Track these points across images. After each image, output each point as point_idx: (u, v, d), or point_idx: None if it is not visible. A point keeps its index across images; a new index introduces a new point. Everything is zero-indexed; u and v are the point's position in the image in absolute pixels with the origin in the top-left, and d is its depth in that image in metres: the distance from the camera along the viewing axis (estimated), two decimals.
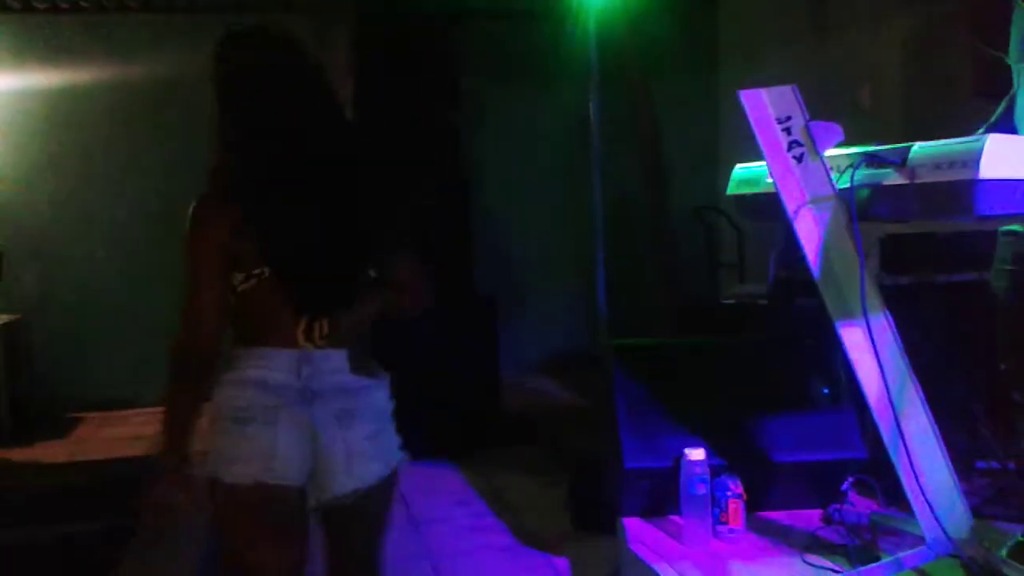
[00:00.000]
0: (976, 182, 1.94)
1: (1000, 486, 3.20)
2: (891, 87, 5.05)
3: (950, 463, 2.50)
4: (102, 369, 5.99)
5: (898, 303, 3.13)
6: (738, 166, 2.78)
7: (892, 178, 2.19)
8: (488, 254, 5.57)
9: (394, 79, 5.09)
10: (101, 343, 6.02)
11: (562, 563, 3.27)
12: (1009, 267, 2.57)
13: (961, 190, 1.97)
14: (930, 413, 2.49)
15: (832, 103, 4.89)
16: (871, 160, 2.25)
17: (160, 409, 1.88)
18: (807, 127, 2.32)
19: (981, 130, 2.69)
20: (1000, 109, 2.71)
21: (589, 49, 4.18)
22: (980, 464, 3.44)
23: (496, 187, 6.02)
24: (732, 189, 2.81)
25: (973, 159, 1.94)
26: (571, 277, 5.47)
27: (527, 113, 6.11)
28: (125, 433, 5.51)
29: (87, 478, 4.76)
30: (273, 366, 1.86)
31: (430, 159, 4.99)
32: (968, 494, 3.08)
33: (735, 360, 3.35)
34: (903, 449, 2.46)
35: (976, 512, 2.87)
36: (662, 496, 3.04)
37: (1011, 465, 3.24)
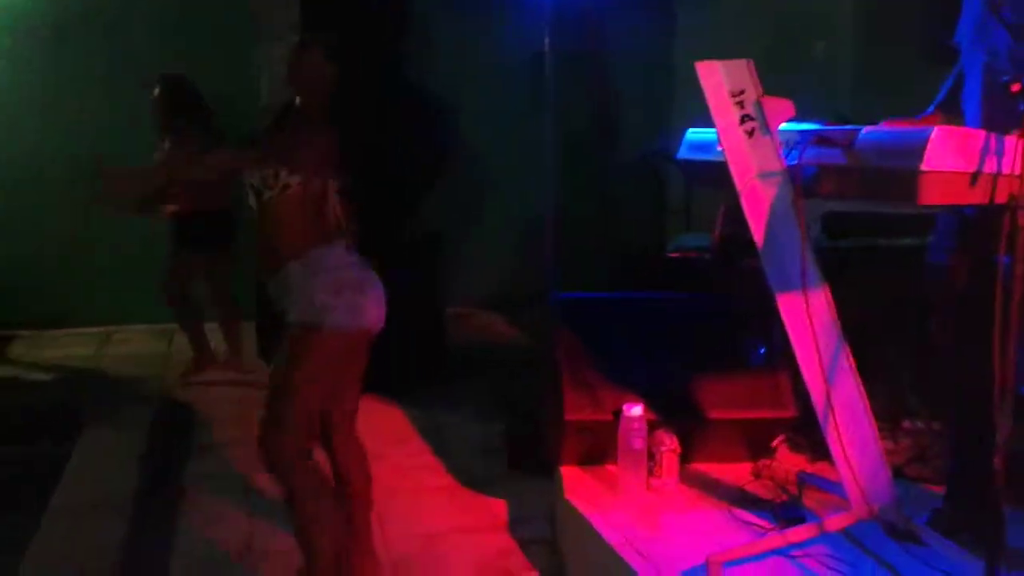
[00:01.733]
0: (920, 172, 1.97)
1: (924, 446, 3.35)
2: (845, 40, 5.07)
3: (876, 431, 2.60)
4: (31, 289, 5.85)
5: (838, 266, 3.22)
6: (690, 130, 2.78)
7: (839, 159, 2.22)
8: (440, 187, 5.51)
9: (341, 2, 4.93)
10: (31, 263, 5.85)
11: (499, 505, 3.35)
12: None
13: (905, 179, 2.01)
14: (860, 383, 2.58)
15: (786, 53, 4.90)
16: (820, 139, 2.27)
17: None
18: (760, 102, 2.33)
19: (930, 108, 2.72)
20: (947, 86, 2.74)
21: None
22: (906, 424, 3.58)
23: (448, 119, 5.91)
24: (683, 153, 2.81)
25: (918, 150, 1.97)
26: (522, 214, 5.45)
27: (480, 44, 5.97)
28: (56, 355, 5.44)
29: (21, 401, 4.71)
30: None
31: (377, 88, 4.88)
32: (893, 453, 3.24)
33: (677, 316, 3.42)
34: (831, 416, 2.55)
35: (900, 472, 3.02)
36: (600, 447, 3.12)
37: (934, 426, 3.38)
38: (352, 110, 2.76)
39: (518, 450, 3.61)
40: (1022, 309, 1.93)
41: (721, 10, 5.15)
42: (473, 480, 3.57)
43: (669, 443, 3.01)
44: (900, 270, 3.67)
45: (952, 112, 2.67)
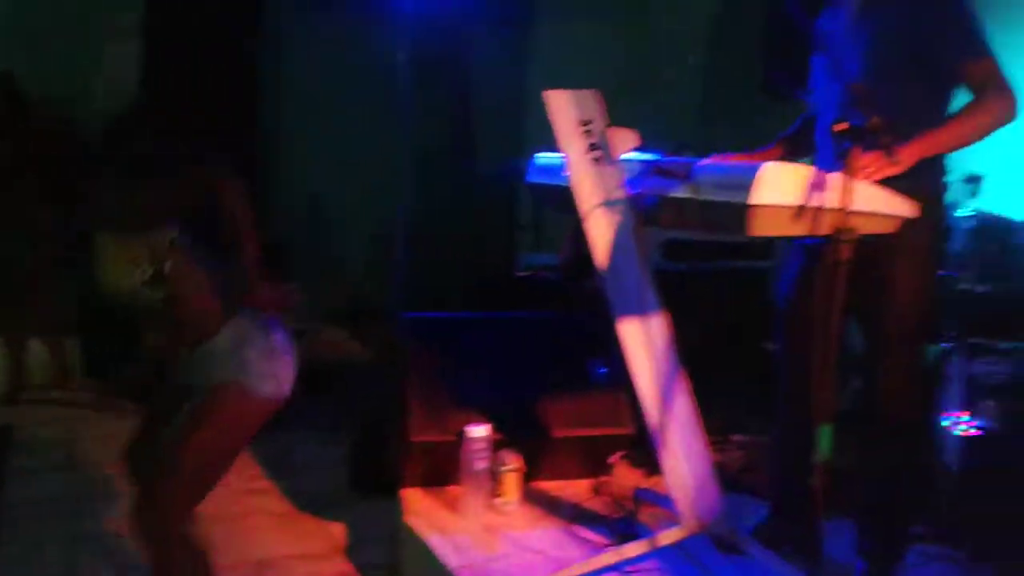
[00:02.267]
0: (749, 206, 2.07)
1: (752, 459, 3.52)
2: (695, 68, 5.28)
3: (706, 447, 2.71)
4: None
5: (676, 288, 3.34)
6: (538, 155, 2.83)
7: (678, 191, 2.30)
8: (287, 197, 5.38)
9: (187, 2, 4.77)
10: None
11: (338, 529, 3.28)
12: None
13: (736, 211, 2.10)
14: (693, 402, 2.69)
15: (638, 75, 5.07)
16: (659, 171, 2.36)
17: None
18: (606, 132, 2.40)
19: (771, 144, 2.88)
20: (795, 125, 2.89)
21: None
22: (737, 437, 3.76)
23: (297, 125, 5.79)
24: (531, 176, 2.86)
25: (748, 184, 2.08)
26: (374, 227, 5.38)
27: (335, 47, 5.87)
28: None
29: None
30: None
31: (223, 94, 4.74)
32: (724, 466, 3.39)
33: (524, 336, 3.47)
34: (665, 434, 2.65)
35: (730, 484, 3.17)
36: (443, 468, 3.11)
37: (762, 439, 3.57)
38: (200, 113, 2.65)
39: (361, 472, 3.55)
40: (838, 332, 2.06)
41: (577, 32, 5.27)
42: (312, 504, 3.48)
43: (512, 462, 3.04)
44: (734, 290, 3.87)
45: (796, 147, 2.84)
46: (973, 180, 3.57)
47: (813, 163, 2.63)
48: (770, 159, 2.64)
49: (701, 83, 5.36)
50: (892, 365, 2.55)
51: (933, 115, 2.48)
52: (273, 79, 4.98)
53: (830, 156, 2.56)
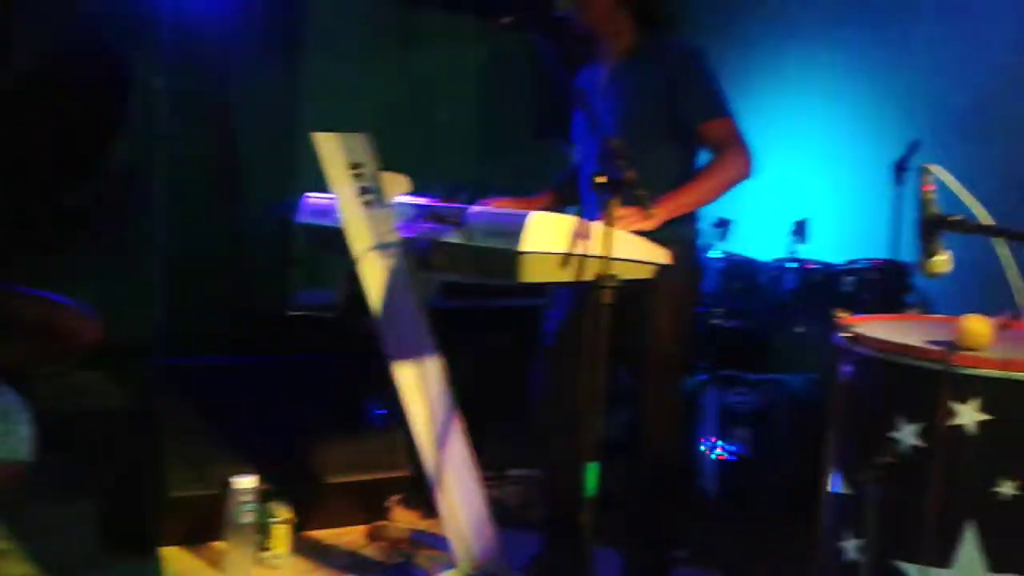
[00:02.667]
0: (519, 253, 2.11)
1: (529, 493, 3.57)
2: (469, 106, 5.35)
3: (481, 487, 2.72)
4: None
5: (453, 323, 3.35)
6: (307, 195, 2.75)
7: (451, 236, 2.31)
8: None
9: None
10: None
11: None
12: None
13: (506, 258, 2.13)
14: (468, 444, 2.69)
15: (413, 115, 5.07)
16: (432, 216, 2.35)
17: None
18: (377, 175, 2.37)
19: (544, 190, 2.97)
20: (566, 173, 2.99)
21: (158, 21, 3.90)
22: (513, 472, 3.80)
23: None
24: (301, 217, 2.77)
25: (517, 232, 2.11)
26: (126, 262, 5.02)
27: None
28: None
29: None
30: None
31: None
32: (501, 501, 3.42)
33: (294, 379, 3.35)
34: (441, 477, 2.63)
35: (508, 520, 3.19)
36: (206, 523, 2.93)
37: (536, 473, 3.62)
38: None
39: (114, 530, 3.27)
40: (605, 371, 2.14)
41: (351, 66, 5.20)
42: (61, 568, 3.16)
43: (281, 513, 2.91)
44: (510, 325, 3.93)
45: (564, 196, 2.94)
46: (723, 224, 3.86)
47: (580, 212, 2.75)
48: (539, 206, 2.79)
49: (476, 125, 5.46)
50: (654, 399, 2.67)
51: (681, 170, 2.66)
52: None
53: (593, 205, 2.65)
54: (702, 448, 3.62)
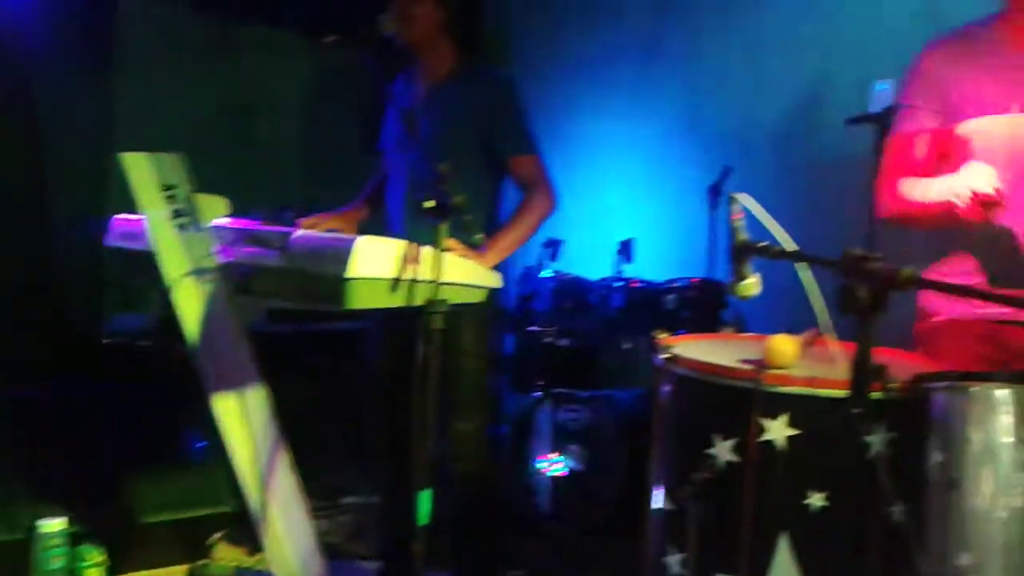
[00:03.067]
0: (346, 279, 2.06)
1: (362, 522, 3.49)
2: (294, 123, 5.22)
3: (308, 519, 2.64)
4: None
5: (278, 350, 3.24)
6: (116, 217, 2.59)
7: (274, 260, 2.23)
8: None
9: None
10: None
11: None
12: None
13: (333, 284, 2.08)
14: (295, 477, 2.60)
15: (236, 133, 4.89)
16: (254, 239, 2.26)
17: None
18: (192, 197, 2.26)
19: (357, 201, 2.93)
20: (373, 183, 2.96)
21: None
22: (345, 500, 3.71)
23: None
24: (111, 240, 2.61)
25: (344, 257, 2.06)
26: None
27: None
28: None
29: None
30: None
31: None
32: (332, 532, 3.33)
33: (107, 410, 3.15)
34: (266, 511, 2.53)
35: (337, 551, 3.11)
36: (11, 571, 2.70)
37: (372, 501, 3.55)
38: None
39: None
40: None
41: (169, 81, 4.96)
42: None
43: (94, 557, 2.73)
44: (337, 352, 3.85)
45: (376, 205, 2.91)
46: (553, 244, 3.93)
47: (387, 222, 2.76)
48: (353, 219, 2.84)
49: (302, 142, 5.33)
50: (465, 422, 2.68)
51: (492, 199, 2.73)
52: None
53: (400, 218, 2.71)
54: (537, 466, 3.66)
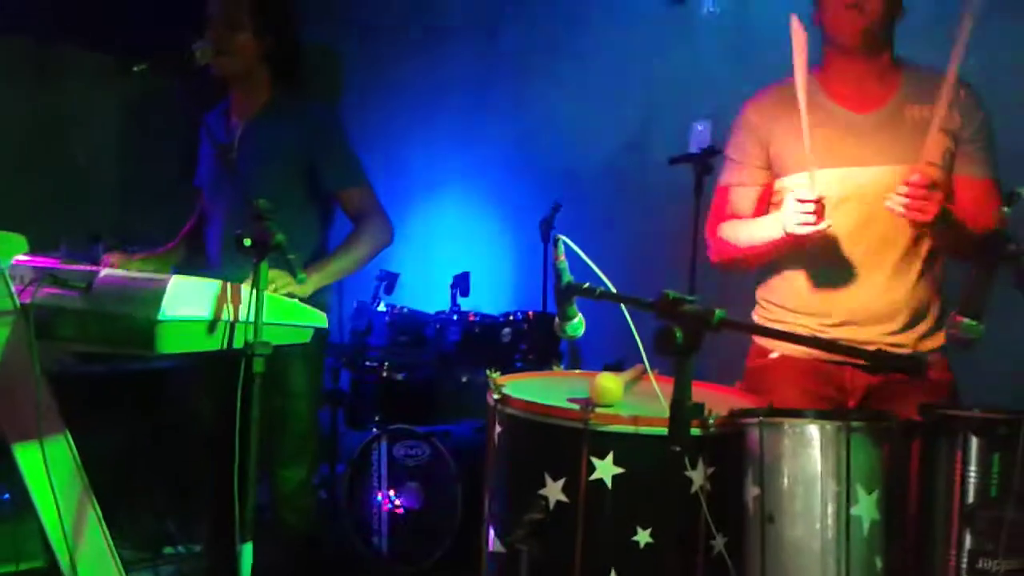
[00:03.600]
0: (157, 322, 1.93)
1: (184, 573, 3.30)
2: (108, 146, 4.96)
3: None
4: None
5: (91, 393, 3.03)
6: None
7: (77, 302, 2.07)
8: None
9: None
10: None
11: None
12: None
13: (144, 328, 1.95)
14: (104, 529, 2.42)
15: (43, 153, 4.59)
16: (56, 280, 2.10)
17: None
18: None
19: (176, 240, 2.81)
20: (191, 222, 2.84)
21: None
22: (167, 551, 3.50)
23: None
24: None
25: (155, 299, 1.94)
26: None
27: None
28: None
29: None
30: None
31: None
32: None
33: None
34: (75, 566, 2.34)
35: None
36: None
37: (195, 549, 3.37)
38: None
39: None
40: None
41: None
42: None
43: None
44: (158, 393, 3.64)
45: (195, 244, 2.78)
46: (387, 277, 3.87)
47: (207, 260, 2.67)
48: (171, 258, 2.75)
49: (119, 167, 5.06)
50: (291, 469, 2.61)
51: (319, 233, 2.69)
52: None
53: (218, 258, 2.63)
54: (374, 504, 3.57)
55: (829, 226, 1.99)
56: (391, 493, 3.55)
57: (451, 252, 4.48)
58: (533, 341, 3.63)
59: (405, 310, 3.87)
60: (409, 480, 3.55)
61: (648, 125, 3.96)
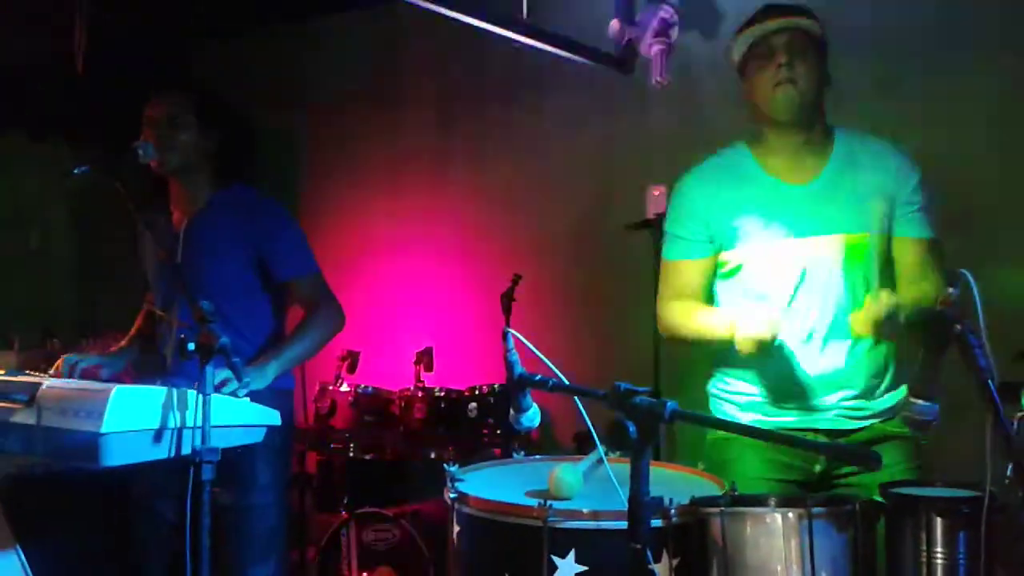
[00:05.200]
0: (101, 435, 1.87)
1: None
2: (62, 233, 4.92)
3: None
4: None
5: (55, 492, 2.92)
6: None
7: (20, 415, 2.00)
8: None
9: None
10: None
11: None
12: None
13: (88, 441, 1.89)
14: None
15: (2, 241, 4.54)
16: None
17: None
18: None
19: (128, 337, 2.76)
20: (143, 319, 2.79)
21: None
22: None
23: None
24: None
25: (98, 411, 1.88)
26: None
27: None
28: None
29: None
30: None
31: None
32: None
33: None
34: None
35: None
36: None
37: None
38: None
39: None
40: None
41: None
42: None
43: None
44: (115, 495, 3.52)
45: (144, 348, 2.75)
46: (349, 356, 3.81)
47: (161, 355, 2.63)
48: (125, 356, 2.72)
49: (73, 253, 5.01)
50: (259, 566, 2.55)
51: (272, 322, 2.66)
52: None
53: (167, 357, 2.61)
54: None
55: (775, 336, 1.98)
56: (365, 575, 3.46)
57: (414, 326, 4.44)
58: (500, 415, 3.58)
59: (369, 389, 3.81)
60: (380, 564, 3.46)
61: (605, 192, 3.98)
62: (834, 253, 2.09)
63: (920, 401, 1.65)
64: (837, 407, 2.13)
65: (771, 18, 2.15)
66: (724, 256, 2.21)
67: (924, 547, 1.59)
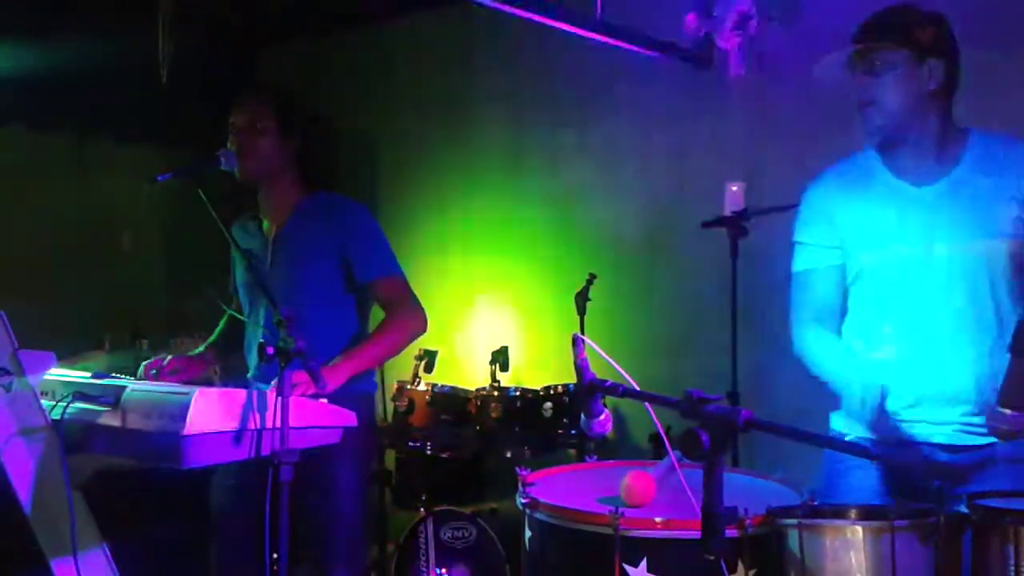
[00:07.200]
0: (183, 437, 1.93)
1: None
2: (151, 233, 5.07)
3: None
4: None
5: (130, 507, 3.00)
6: None
7: (106, 418, 2.08)
8: None
9: None
10: None
11: None
12: None
13: (170, 442, 1.94)
14: None
15: (96, 244, 4.71)
16: (84, 396, 2.11)
17: None
18: (16, 355, 2.10)
19: (206, 345, 2.83)
20: (219, 329, 2.86)
21: None
22: None
23: None
24: None
25: (180, 414, 1.93)
26: None
27: None
28: None
29: None
30: None
31: None
32: None
33: None
34: None
35: None
36: None
37: None
38: None
39: None
40: None
41: (24, 201, 4.75)
42: None
43: None
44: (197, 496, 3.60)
45: (227, 350, 2.80)
46: (426, 356, 3.84)
47: (244, 360, 2.69)
48: (206, 365, 2.77)
49: (167, 255, 5.15)
50: (340, 567, 2.57)
51: (354, 326, 2.69)
52: None
53: (250, 361, 2.66)
54: None
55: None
56: (443, 572, 3.49)
57: (489, 326, 4.45)
58: (574, 415, 3.56)
59: (446, 388, 3.84)
60: (457, 562, 3.48)
61: (680, 190, 3.91)
62: (960, 258, 2.00)
63: (1008, 411, 1.58)
64: (957, 421, 2.02)
65: (855, 41, 2.06)
66: (851, 262, 2.14)
67: (1012, 562, 1.52)
